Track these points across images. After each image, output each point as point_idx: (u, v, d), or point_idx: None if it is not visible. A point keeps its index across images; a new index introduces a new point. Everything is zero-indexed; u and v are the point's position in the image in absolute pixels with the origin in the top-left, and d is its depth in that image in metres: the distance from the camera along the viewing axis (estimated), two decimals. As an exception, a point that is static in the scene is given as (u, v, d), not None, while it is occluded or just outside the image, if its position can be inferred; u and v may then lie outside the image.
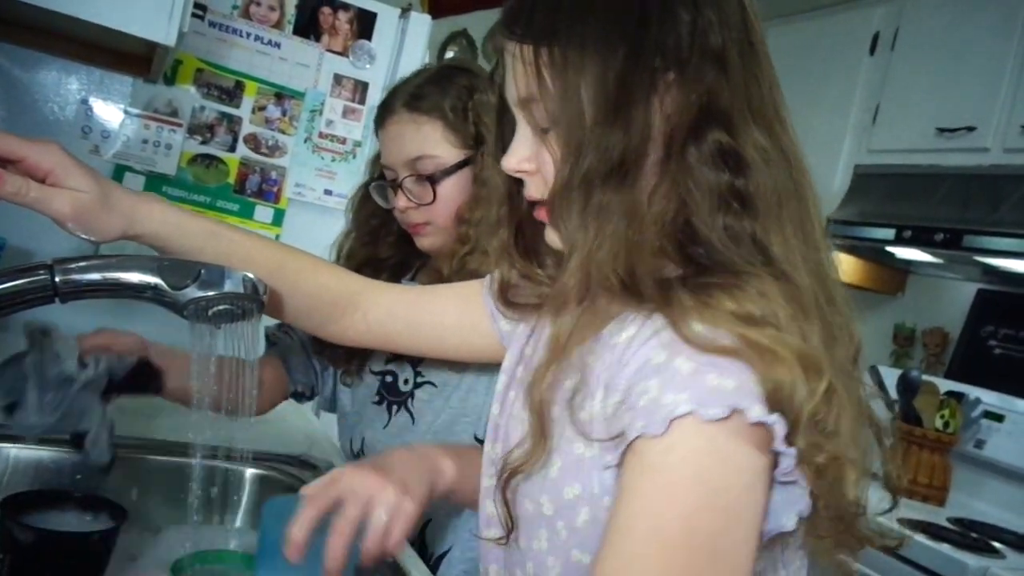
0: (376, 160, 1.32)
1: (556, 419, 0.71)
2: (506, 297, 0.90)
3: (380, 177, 1.28)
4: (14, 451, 1.14)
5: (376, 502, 0.78)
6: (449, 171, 1.19)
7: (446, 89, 1.21)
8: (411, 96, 1.22)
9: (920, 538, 1.97)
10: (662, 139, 0.66)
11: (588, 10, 0.65)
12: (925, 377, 2.47)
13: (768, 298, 0.63)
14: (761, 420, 0.58)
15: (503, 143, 0.77)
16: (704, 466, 0.58)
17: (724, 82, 0.65)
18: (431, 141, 1.19)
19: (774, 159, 0.67)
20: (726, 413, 0.57)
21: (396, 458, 0.87)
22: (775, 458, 0.60)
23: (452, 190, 1.19)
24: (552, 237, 0.73)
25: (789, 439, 0.59)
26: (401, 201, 1.21)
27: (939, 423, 2.39)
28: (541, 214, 0.74)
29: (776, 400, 0.59)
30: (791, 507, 0.62)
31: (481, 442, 1.18)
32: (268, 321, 1.12)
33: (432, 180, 1.19)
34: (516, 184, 0.78)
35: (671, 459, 0.59)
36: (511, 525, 0.76)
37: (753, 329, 0.61)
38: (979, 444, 2.44)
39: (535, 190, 0.73)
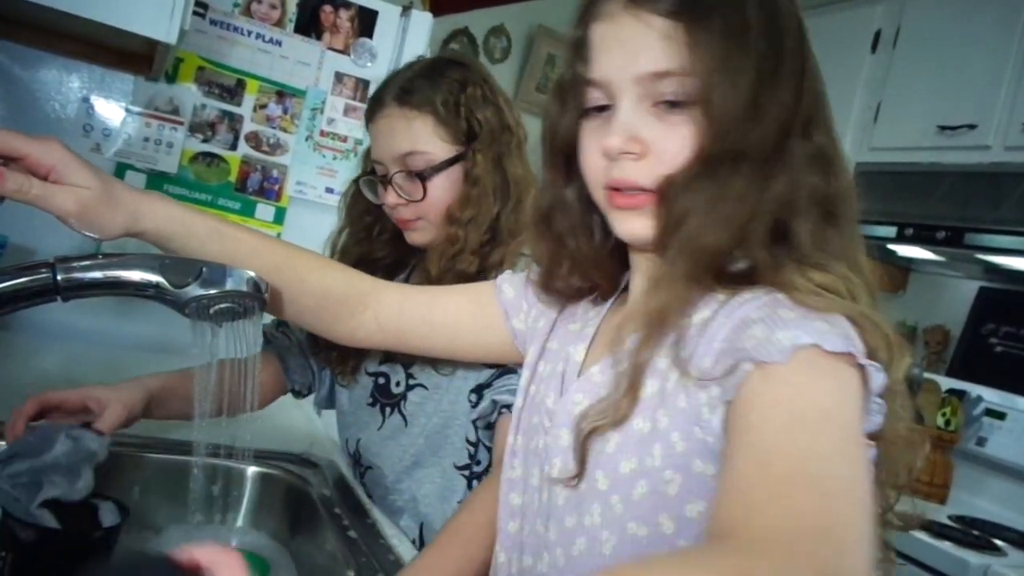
0: (367, 155, 1.31)
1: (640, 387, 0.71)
2: (552, 286, 0.88)
3: (371, 172, 1.26)
4: (16, 449, 1.14)
5: None
6: (439, 167, 1.18)
7: (437, 83, 1.19)
8: (401, 90, 1.20)
9: (922, 536, 1.97)
10: (780, 134, 0.67)
11: (742, 7, 0.66)
12: (926, 375, 2.47)
13: (855, 290, 0.66)
14: (869, 364, 0.60)
15: (559, 132, 0.77)
16: (836, 398, 0.58)
17: (819, 86, 0.70)
18: (422, 136, 1.18)
19: (844, 165, 0.71)
20: (848, 348, 0.59)
21: None
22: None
23: (442, 187, 1.18)
24: (641, 225, 0.72)
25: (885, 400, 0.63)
26: (391, 197, 1.20)
27: (940, 421, 2.39)
28: (637, 202, 0.71)
29: (875, 360, 0.62)
30: None
31: (473, 444, 1.18)
32: (266, 318, 1.12)
33: (422, 177, 1.18)
34: (566, 184, 0.79)
35: (801, 386, 0.58)
36: (581, 472, 0.74)
37: (850, 303, 0.64)
38: (980, 442, 2.44)
39: (638, 173, 0.70)
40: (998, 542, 2.06)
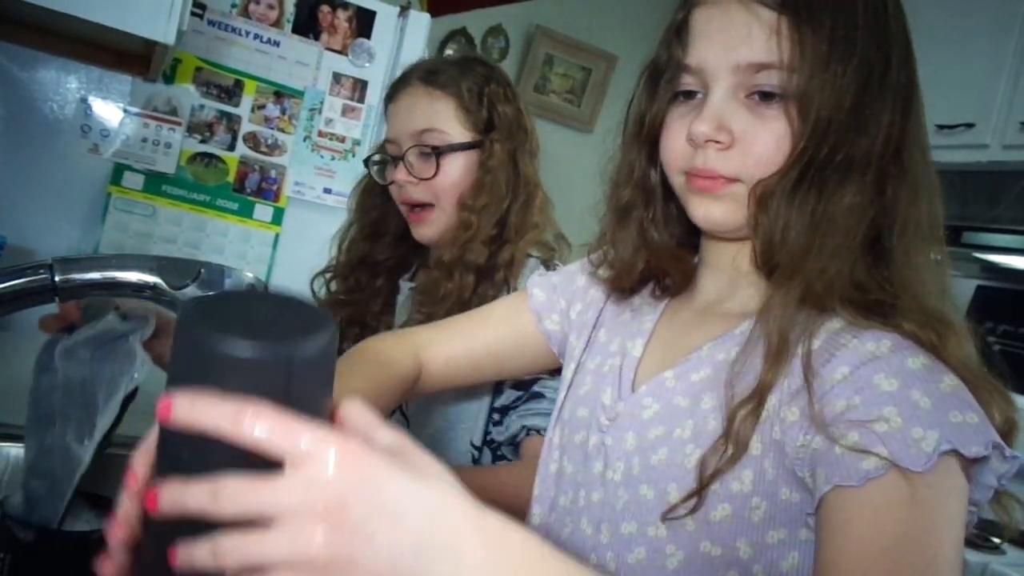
0: (382, 146, 1.31)
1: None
2: (622, 284, 0.84)
3: (382, 153, 1.27)
4: (14, 451, 1.14)
5: None
6: (455, 148, 1.18)
7: (464, 72, 1.22)
8: (428, 71, 1.22)
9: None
10: (889, 147, 0.66)
11: (854, 13, 0.66)
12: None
13: (958, 328, 0.65)
14: (979, 455, 0.58)
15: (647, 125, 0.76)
16: (961, 503, 0.59)
17: (921, 105, 0.69)
18: (442, 116, 1.19)
19: (938, 187, 0.70)
20: (984, 452, 0.58)
21: None
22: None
23: (455, 169, 1.19)
24: (721, 211, 0.70)
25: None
26: (400, 173, 1.20)
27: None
28: (715, 186, 0.69)
29: (1006, 434, 0.61)
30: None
31: (477, 448, 1.18)
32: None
33: (438, 153, 1.18)
34: (648, 164, 0.77)
35: (938, 492, 0.57)
36: (698, 506, 0.69)
37: (977, 370, 0.62)
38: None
39: (721, 163, 0.68)
40: (996, 540, 2.06)
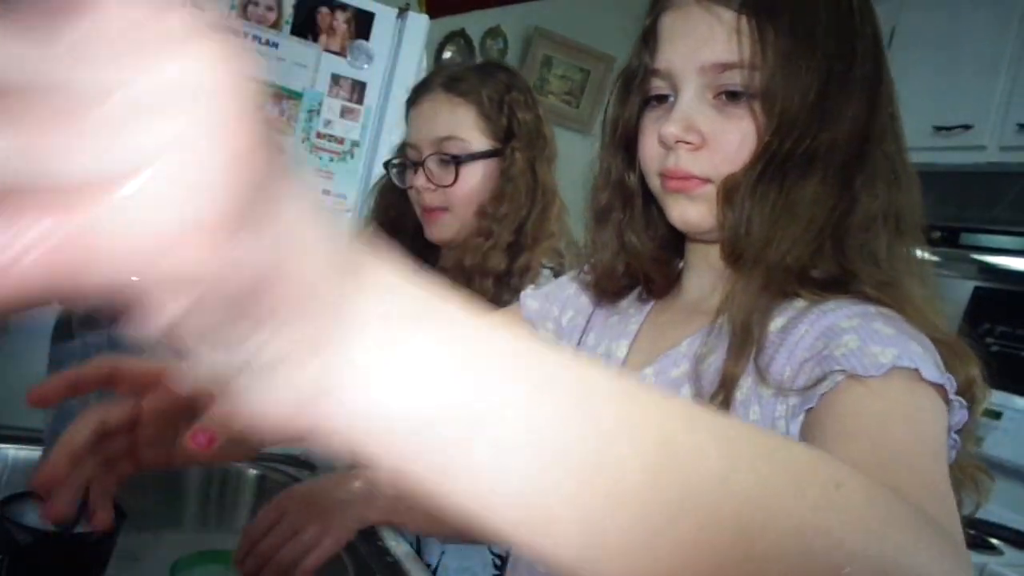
0: (402, 147, 1.32)
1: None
2: (606, 281, 0.85)
3: (403, 157, 1.28)
4: (13, 451, 1.14)
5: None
6: (476, 156, 1.20)
7: (485, 79, 1.23)
8: (450, 78, 1.23)
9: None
10: (855, 140, 0.67)
11: (816, 11, 0.67)
12: (922, 375, 2.47)
13: (936, 307, 0.65)
14: (956, 400, 0.58)
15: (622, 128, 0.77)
16: (931, 426, 0.57)
17: (894, 95, 0.70)
18: (463, 124, 1.20)
19: (914, 179, 0.70)
20: (942, 380, 0.57)
21: (330, 487, 0.91)
22: None
23: (474, 177, 1.20)
24: (696, 212, 0.71)
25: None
26: (420, 179, 1.21)
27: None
28: (688, 186, 0.70)
29: (966, 392, 0.60)
30: None
31: None
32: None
33: (457, 162, 1.19)
34: (627, 169, 0.78)
35: (890, 398, 0.57)
36: None
37: (943, 329, 0.62)
38: (977, 441, 2.44)
39: (692, 163, 0.70)
40: (994, 541, 2.06)
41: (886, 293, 0.63)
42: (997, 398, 2.45)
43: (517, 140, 1.21)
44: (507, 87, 1.24)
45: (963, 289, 2.80)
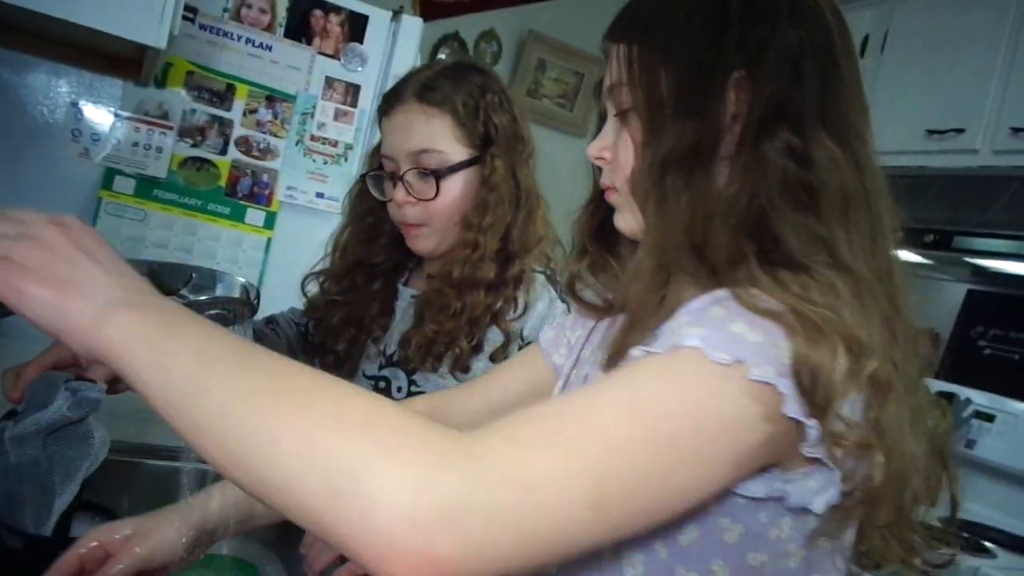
0: (376, 152, 1.29)
1: None
2: (575, 289, 0.90)
3: (379, 168, 1.24)
4: (4, 456, 1.13)
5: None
6: (455, 168, 1.17)
7: (459, 84, 1.19)
8: (423, 86, 1.18)
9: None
10: (736, 132, 0.70)
11: (675, 12, 0.73)
12: (916, 378, 2.47)
13: (836, 291, 0.64)
14: (764, 380, 0.57)
15: None
16: (688, 390, 0.57)
17: (797, 89, 0.70)
18: (439, 135, 1.17)
19: (843, 165, 0.70)
20: (729, 360, 0.57)
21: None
22: (796, 427, 0.59)
23: (455, 189, 1.17)
24: (623, 220, 0.79)
25: (818, 416, 0.58)
26: (400, 194, 1.18)
27: (930, 423, 2.39)
28: (611, 196, 0.79)
29: (804, 373, 0.58)
30: (822, 493, 0.63)
31: None
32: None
33: (437, 176, 1.16)
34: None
35: (656, 370, 0.59)
36: None
37: (807, 304, 0.61)
38: (970, 444, 2.45)
39: (609, 177, 0.79)
40: (987, 544, 2.07)
41: (777, 276, 0.64)
42: (990, 401, 2.46)
43: (496, 146, 1.19)
44: (481, 90, 1.20)
45: (956, 292, 2.80)
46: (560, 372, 0.95)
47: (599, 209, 0.85)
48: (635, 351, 0.61)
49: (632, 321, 0.72)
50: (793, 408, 0.58)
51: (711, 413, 0.57)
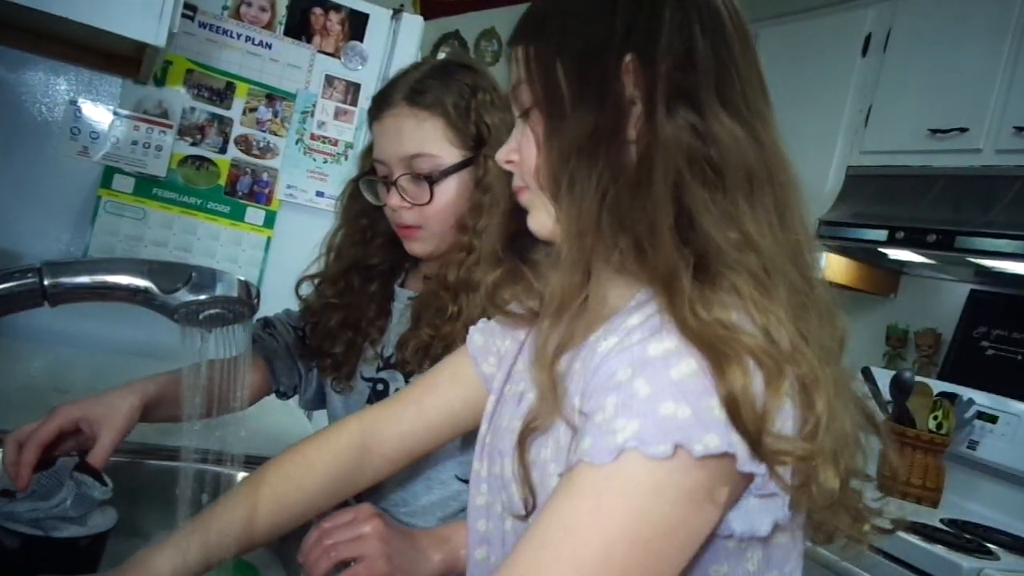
0: (367, 154, 1.27)
1: (559, 387, 0.72)
2: (495, 300, 0.89)
3: (371, 172, 1.23)
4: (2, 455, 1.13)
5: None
6: (448, 171, 1.15)
7: (449, 85, 1.17)
8: (412, 89, 1.16)
9: (914, 539, 1.97)
10: (636, 116, 0.70)
11: (567, 8, 0.74)
12: (918, 378, 2.47)
13: (739, 292, 0.64)
14: (709, 453, 0.58)
15: None
16: (638, 502, 0.59)
17: (691, 68, 0.69)
18: (431, 139, 1.15)
19: (744, 143, 0.69)
20: (670, 451, 0.57)
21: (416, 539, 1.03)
22: (747, 477, 0.60)
23: (450, 192, 1.16)
24: (536, 220, 0.77)
25: (757, 449, 0.59)
26: (394, 199, 1.17)
27: (932, 424, 2.39)
28: (522, 196, 0.79)
29: (734, 406, 0.58)
30: (768, 514, 0.63)
31: (464, 481, 1.17)
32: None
33: (430, 180, 1.15)
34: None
35: (607, 487, 0.59)
36: (534, 498, 0.74)
37: (715, 329, 0.61)
38: (972, 445, 2.44)
39: (519, 179, 0.79)
40: (990, 546, 2.06)
41: (665, 289, 0.64)
42: (992, 402, 2.45)
43: (488, 146, 1.16)
44: (472, 90, 1.18)
45: (959, 292, 2.80)
46: (490, 384, 0.94)
47: (510, 218, 0.85)
48: (578, 462, 0.61)
49: (556, 316, 0.72)
50: (746, 464, 0.59)
51: (674, 506, 0.59)
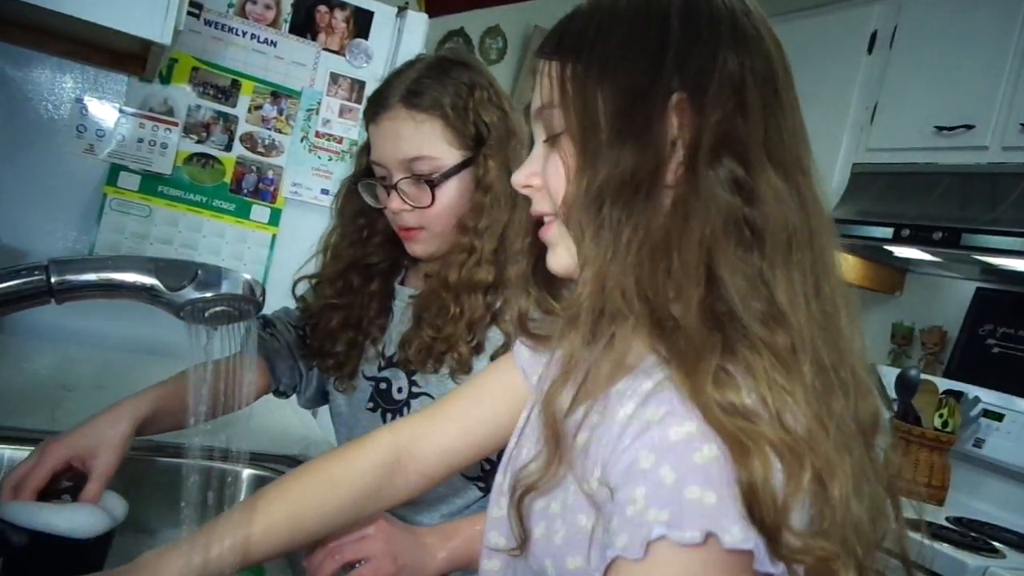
0: (363, 153, 1.25)
1: (568, 444, 0.70)
2: (526, 327, 0.86)
3: (368, 173, 1.22)
4: (8, 452, 1.13)
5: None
6: (449, 173, 1.14)
7: (445, 84, 1.15)
8: (408, 91, 1.14)
9: (919, 537, 1.97)
10: (677, 161, 0.66)
11: (612, 31, 0.68)
12: (924, 376, 2.46)
13: (753, 374, 0.61)
14: (736, 547, 0.56)
15: None
16: None
17: (741, 117, 0.66)
18: (430, 141, 1.13)
19: (788, 202, 0.66)
20: (700, 538, 0.56)
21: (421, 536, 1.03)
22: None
23: (451, 193, 1.15)
24: (557, 259, 0.73)
25: (775, 548, 0.57)
26: (395, 203, 1.15)
27: (938, 422, 2.38)
28: (546, 232, 0.74)
29: (753, 498, 0.57)
30: None
31: (468, 478, 1.18)
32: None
33: (431, 182, 1.14)
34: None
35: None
36: (524, 538, 0.74)
37: (731, 418, 0.59)
38: (978, 443, 2.44)
39: (540, 205, 0.74)
40: (996, 544, 2.05)
41: (683, 363, 0.62)
42: (998, 400, 2.45)
43: (488, 146, 1.15)
44: (469, 88, 1.16)
45: (965, 290, 2.79)
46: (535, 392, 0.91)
47: (533, 247, 0.80)
48: (615, 558, 0.60)
49: (565, 373, 0.68)
50: (764, 563, 0.57)
51: None
